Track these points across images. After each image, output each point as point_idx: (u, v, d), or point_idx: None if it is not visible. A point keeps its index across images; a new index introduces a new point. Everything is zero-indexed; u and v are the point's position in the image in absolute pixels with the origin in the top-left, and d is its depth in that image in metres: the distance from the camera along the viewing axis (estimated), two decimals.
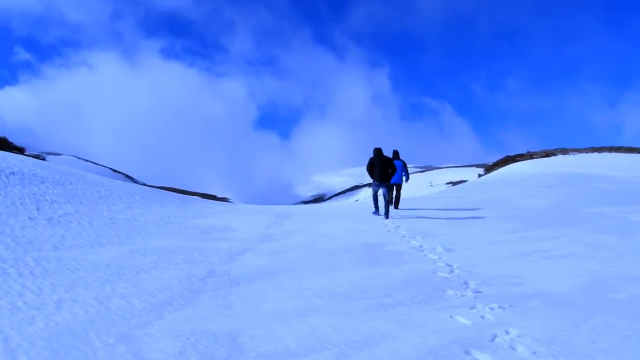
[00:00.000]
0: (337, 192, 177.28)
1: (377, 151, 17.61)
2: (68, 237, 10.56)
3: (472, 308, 7.07)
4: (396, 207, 19.86)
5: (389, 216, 17.22)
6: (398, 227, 14.46)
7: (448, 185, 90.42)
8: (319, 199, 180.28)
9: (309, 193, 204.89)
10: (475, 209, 18.70)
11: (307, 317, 6.62)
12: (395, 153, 20.03)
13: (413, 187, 22.06)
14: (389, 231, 13.70)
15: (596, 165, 36.93)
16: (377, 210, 18.23)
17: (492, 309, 7.01)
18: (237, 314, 6.73)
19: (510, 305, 7.14)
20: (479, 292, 7.87)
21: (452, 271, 9.20)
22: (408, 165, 20.44)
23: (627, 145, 56.46)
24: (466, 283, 8.41)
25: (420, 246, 11.48)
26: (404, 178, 20.00)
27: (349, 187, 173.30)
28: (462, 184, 61.80)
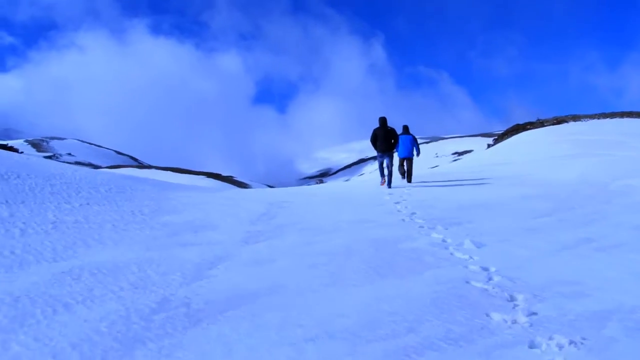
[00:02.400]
0: (341, 166, 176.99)
1: (381, 121, 18.12)
2: None
3: (532, 347, 4.87)
4: (409, 181, 19.83)
5: (392, 186, 18.09)
6: (413, 213, 12.16)
7: (454, 155, 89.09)
8: (324, 174, 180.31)
9: (312, 169, 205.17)
10: (496, 186, 16.69)
11: None
12: (405, 128, 19.87)
13: (419, 159, 20.80)
14: (403, 220, 11.39)
15: (611, 132, 35.34)
16: (384, 180, 18.61)
17: (560, 347, 4.83)
18: None
19: (583, 339, 4.93)
20: (533, 313, 5.65)
21: (490, 278, 6.97)
22: (417, 138, 20.01)
23: (637, 110, 55.40)
24: (512, 297, 6.21)
25: (444, 240, 9.26)
26: (414, 152, 19.85)
27: (354, 161, 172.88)
28: (471, 154, 60.11)
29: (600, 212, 11.37)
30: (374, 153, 18.76)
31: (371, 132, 18.33)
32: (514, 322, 5.45)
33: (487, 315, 5.66)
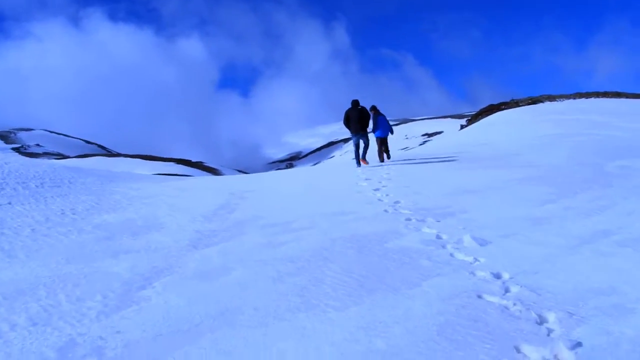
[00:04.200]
0: (311, 150, 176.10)
1: (353, 103, 18.51)
2: None
3: None
4: (388, 157, 20.34)
5: (368, 163, 18.79)
6: (397, 202, 10.49)
7: (424, 137, 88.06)
8: (293, 157, 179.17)
9: (281, 154, 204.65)
10: (483, 169, 15.03)
11: None
12: (374, 108, 19.85)
13: (389, 141, 19.88)
14: (386, 211, 9.70)
15: (591, 111, 34.39)
16: (358, 161, 18.92)
17: None
18: None
19: None
20: (578, 344, 4.08)
21: (507, 289, 5.34)
22: (387, 119, 19.97)
23: (613, 89, 55.85)
24: (542, 318, 4.63)
25: (438, 237, 7.58)
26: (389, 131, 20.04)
27: (323, 144, 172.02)
28: (442, 135, 59.10)
29: (606, 198, 9.81)
30: (343, 136, 18.60)
31: (343, 114, 18.67)
32: None
33: (518, 350, 4.09)
